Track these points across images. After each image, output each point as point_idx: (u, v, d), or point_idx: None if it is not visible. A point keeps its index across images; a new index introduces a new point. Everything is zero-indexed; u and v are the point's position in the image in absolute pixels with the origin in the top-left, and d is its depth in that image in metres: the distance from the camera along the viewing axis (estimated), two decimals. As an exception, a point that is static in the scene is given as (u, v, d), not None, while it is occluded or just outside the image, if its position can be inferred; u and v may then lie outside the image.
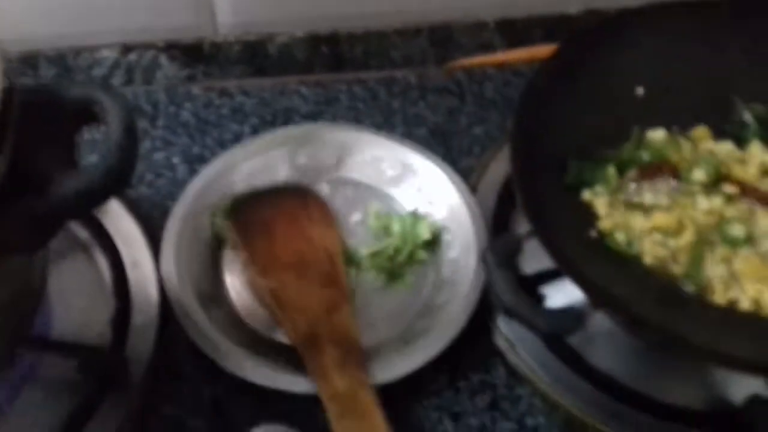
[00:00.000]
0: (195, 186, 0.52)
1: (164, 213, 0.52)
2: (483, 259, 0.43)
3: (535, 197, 0.45)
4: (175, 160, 0.57)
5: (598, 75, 0.52)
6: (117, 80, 0.70)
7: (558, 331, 0.41)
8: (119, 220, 0.51)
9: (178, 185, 0.53)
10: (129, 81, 0.69)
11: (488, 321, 0.48)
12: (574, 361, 0.47)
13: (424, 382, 0.47)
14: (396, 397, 0.46)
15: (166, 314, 0.47)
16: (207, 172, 0.53)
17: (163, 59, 0.70)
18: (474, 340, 0.48)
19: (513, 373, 0.47)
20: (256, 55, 0.71)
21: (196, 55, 0.70)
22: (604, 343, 0.48)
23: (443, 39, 0.71)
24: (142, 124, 0.59)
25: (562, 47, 0.51)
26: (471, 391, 0.47)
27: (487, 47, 0.71)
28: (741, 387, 0.45)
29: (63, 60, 0.66)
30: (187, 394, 0.46)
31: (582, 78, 0.51)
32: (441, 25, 0.71)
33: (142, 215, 0.52)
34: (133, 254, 0.49)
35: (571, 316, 0.41)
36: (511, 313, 0.41)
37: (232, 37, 0.71)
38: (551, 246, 0.42)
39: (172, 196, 0.53)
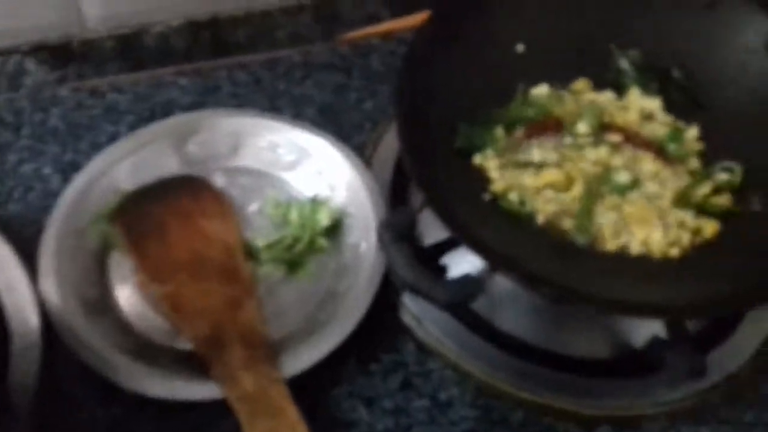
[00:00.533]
0: (69, 194, 0.49)
1: (39, 229, 0.48)
2: (379, 235, 0.43)
3: (425, 166, 0.45)
4: (47, 170, 0.53)
5: (478, 34, 0.51)
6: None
7: (458, 300, 0.40)
8: (-13, 244, 0.47)
9: (52, 197, 0.50)
10: (-7, 89, 0.64)
11: (394, 299, 0.48)
12: (481, 327, 0.47)
13: (335, 370, 0.46)
14: (307, 389, 0.45)
15: (50, 335, 0.44)
16: (82, 178, 0.50)
17: (30, 63, 0.65)
18: (382, 321, 0.48)
19: (422, 348, 0.47)
20: (132, 49, 0.67)
21: (65, 55, 0.66)
22: (509, 305, 0.49)
23: (328, 14, 0.70)
24: (5, 136, 0.55)
25: (437, 9, 0.51)
26: (383, 372, 0.46)
27: (374, 19, 0.70)
28: (641, 331, 0.46)
29: None
30: (81, 418, 0.43)
31: (461, 39, 0.51)
32: (325, 0, 0.69)
33: (13, 234, 0.49)
34: (7, 277, 0.46)
35: (469, 283, 0.40)
36: (410, 288, 0.41)
37: (103, 31, 0.66)
38: (443, 213, 0.42)
39: (47, 210, 0.49)
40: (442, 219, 0.41)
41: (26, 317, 0.45)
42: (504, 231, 0.45)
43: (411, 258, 0.41)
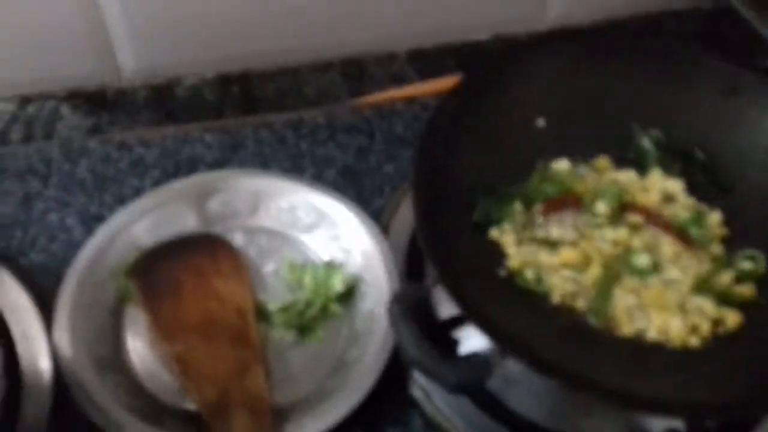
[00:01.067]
0: (90, 246, 0.50)
1: (59, 279, 0.49)
2: (389, 310, 0.43)
3: (438, 238, 0.45)
4: (70, 221, 0.55)
5: (499, 107, 0.52)
6: (15, 135, 0.67)
7: (466, 383, 0.40)
8: (8, 293, 0.48)
9: (74, 248, 0.51)
10: (28, 136, 0.66)
11: (404, 371, 0.47)
12: (492, 406, 0.47)
13: (340, 441, 0.45)
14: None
15: (61, 387, 0.45)
16: (103, 231, 0.51)
17: (65, 109, 0.68)
18: (390, 393, 0.47)
19: (430, 424, 0.47)
20: (164, 99, 0.69)
21: (99, 102, 0.68)
22: (523, 385, 0.48)
23: (355, 72, 0.71)
24: (34, 184, 0.56)
25: (461, 82, 0.52)
26: (389, 446, 0.46)
27: (400, 79, 0.71)
28: (658, 421, 0.45)
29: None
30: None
31: (483, 111, 0.51)
32: (352, 59, 0.71)
33: (34, 283, 0.50)
34: (23, 327, 0.47)
35: (478, 365, 0.40)
36: (417, 366, 0.41)
37: (137, 81, 0.69)
38: (453, 289, 0.41)
39: (68, 260, 0.51)
40: (453, 296, 0.41)
41: (39, 368, 0.46)
42: (517, 309, 0.45)
43: (419, 336, 0.41)
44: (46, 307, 0.48)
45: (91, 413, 0.44)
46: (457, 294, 0.41)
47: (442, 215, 0.47)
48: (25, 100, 0.66)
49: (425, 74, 0.71)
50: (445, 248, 0.45)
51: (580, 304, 0.45)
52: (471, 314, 0.41)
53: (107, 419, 0.43)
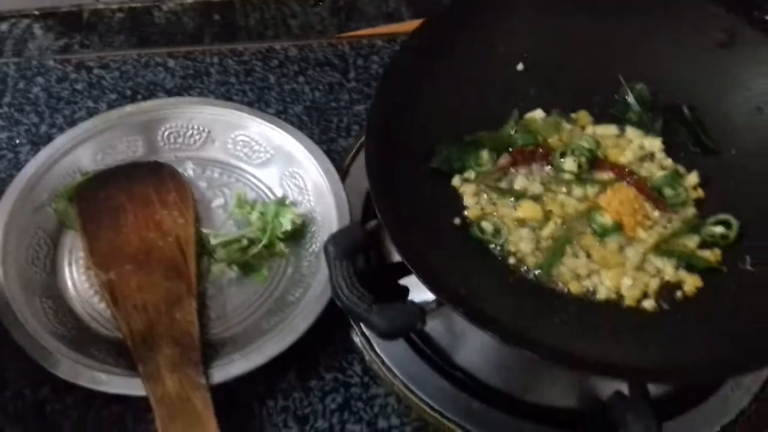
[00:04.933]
0: (32, 166, 0.50)
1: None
2: (324, 249, 0.43)
3: (388, 180, 0.44)
4: (19, 140, 0.55)
5: (475, 46, 0.50)
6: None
7: (395, 331, 0.40)
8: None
9: (20, 168, 0.51)
10: (-2, 53, 0.66)
11: (346, 318, 0.48)
12: (435, 358, 0.47)
13: (272, 382, 0.46)
14: (239, 399, 0.45)
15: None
16: (47, 151, 0.51)
17: (37, 29, 0.68)
18: (331, 338, 0.48)
19: (368, 372, 0.47)
20: (140, 24, 0.68)
21: (74, 24, 0.68)
22: (471, 340, 0.48)
23: (345, 7, 0.70)
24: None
25: (431, 18, 0.50)
26: (322, 391, 0.46)
27: (393, 17, 0.70)
28: (606, 385, 0.45)
29: None
30: (9, 399, 0.45)
31: (456, 50, 0.50)
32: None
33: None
34: (-43, 245, 0.47)
35: (409, 313, 0.40)
36: (346, 309, 0.41)
37: (114, 3, 0.68)
38: (395, 234, 0.41)
39: (12, 180, 0.51)
40: (393, 239, 0.41)
41: (-30, 287, 0.46)
42: (466, 261, 0.45)
43: (352, 278, 0.41)
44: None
45: (17, 337, 0.44)
46: (397, 237, 0.41)
47: (399, 158, 0.46)
48: (-2, 18, 0.66)
49: (420, 15, 0.69)
50: (393, 190, 0.44)
51: (531, 261, 0.45)
52: (408, 258, 0.40)
53: (34, 344, 0.44)
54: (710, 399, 0.45)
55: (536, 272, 0.44)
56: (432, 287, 0.40)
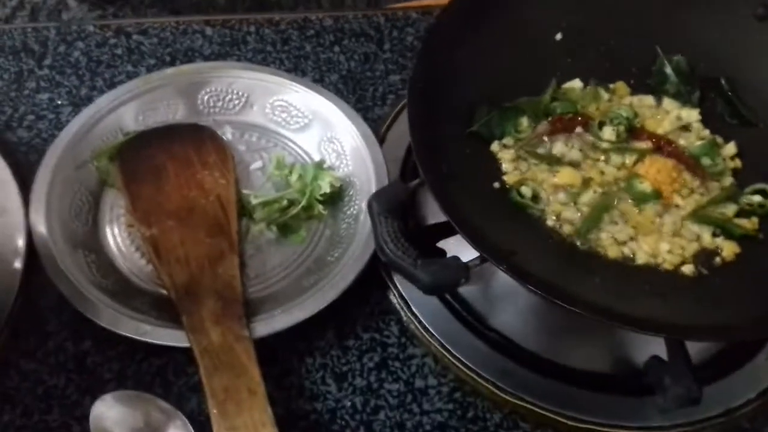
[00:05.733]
0: (74, 125, 0.51)
1: (42, 157, 0.51)
2: (368, 205, 0.43)
3: (431, 142, 0.45)
4: (60, 101, 0.56)
5: (515, 15, 0.51)
6: (19, 21, 0.69)
7: (439, 285, 0.41)
8: (-11, 164, 0.50)
9: (61, 128, 0.52)
10: (33, 21, 0.67)
11: (385, 278, 0.48)
12: (472, 320, 0.47)
13: (311, 340, 0.47)
14: (279, 356, 0.46)
15: (34, 265, 0.47)
16: (89, 111, 0.52)
17: (72, 0, 0.69)
18: (368, 298, 0.48)
19: (406, 332, 0.48)
20: (172, -2, 0.70)
21: (108, -5, 0.69)
22: (507, 302, 0.49)
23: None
24: (29, 63, 0.58)
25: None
26: (360, 350, 0.47)
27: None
28: (642, 350, 0.45)
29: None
30: (51, 350, 0.46)
31: (496, 18, 0.51)
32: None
33: (17, 159, 0.52)
34: (2, 200, 0.48)
35: (453, 268, 0.41)
36: (390, 264, 0.42)
37: (147, -26, 0.69)
38: (438, 192, 0.42)
39: (54, 139, 0.52)
40: (437, 198, 0.42)
41: (14, 241, 0.47)
42: (506, 223, 0.45)
43: (397, 233, 0.42)
44: (27, 184, 0.50)
45: (62, 288, 0.45)
46: (440, 194, 0.42)
47: (439, 122, 0.47)
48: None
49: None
50: (435, 152, 0.45)
51: (569, 227, 0.46)
52: (451, 215, 0.41)
53: (78, 295, 0.45)
54: (745, 366, 0.46)
55: (575, 237, 0.45)
56: (475, 243, 0.41)
